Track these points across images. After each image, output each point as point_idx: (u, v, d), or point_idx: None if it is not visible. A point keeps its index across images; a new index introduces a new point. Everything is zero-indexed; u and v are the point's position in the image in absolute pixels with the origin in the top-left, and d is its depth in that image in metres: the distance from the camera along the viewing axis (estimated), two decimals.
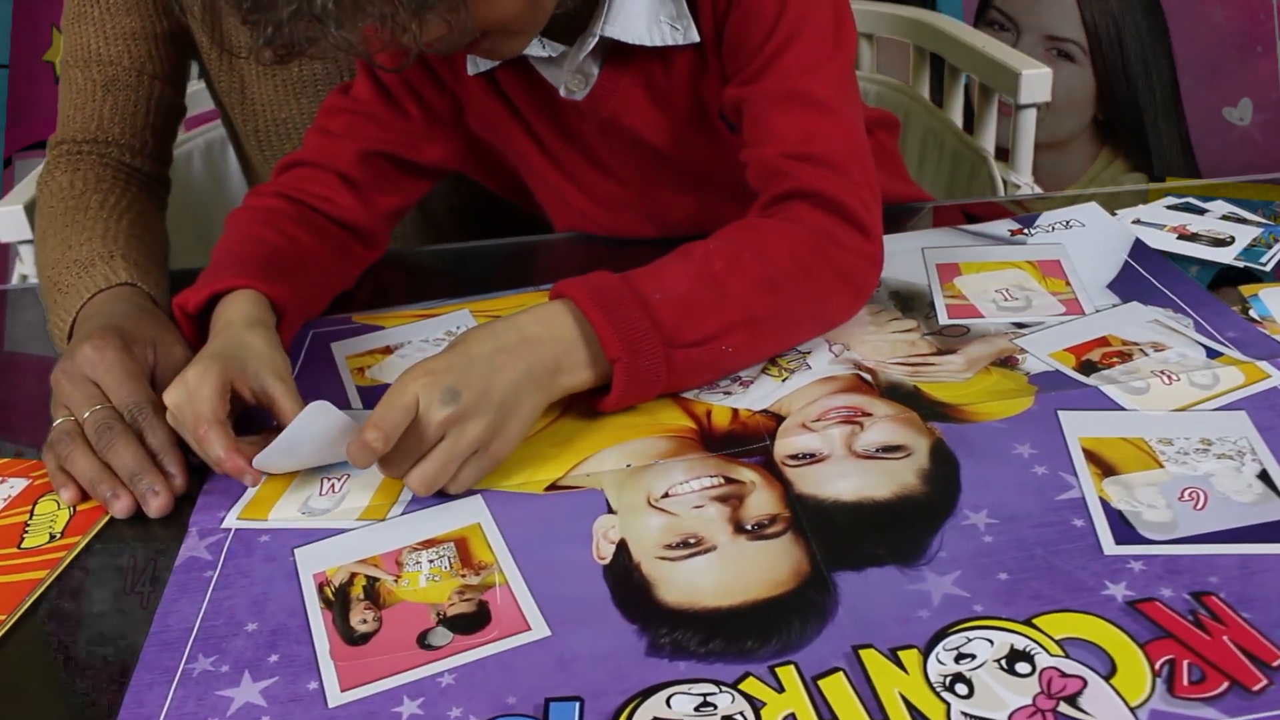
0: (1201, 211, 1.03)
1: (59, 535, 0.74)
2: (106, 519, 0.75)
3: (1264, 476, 0.67)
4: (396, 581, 0.67)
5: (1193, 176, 2.13)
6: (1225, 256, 0.95)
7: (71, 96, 1.05)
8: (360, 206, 0.98)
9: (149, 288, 0.90)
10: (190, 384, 0.74)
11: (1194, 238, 0.98)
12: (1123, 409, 0.74)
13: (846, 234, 0.83)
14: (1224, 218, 1.02)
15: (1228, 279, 0.91)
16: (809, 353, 0.83)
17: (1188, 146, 2.09)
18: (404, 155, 0.99)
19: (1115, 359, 0.79)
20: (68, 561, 0.72)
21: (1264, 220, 1.01)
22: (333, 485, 0.75)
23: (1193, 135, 2.09)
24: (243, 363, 0.77)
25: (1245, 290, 0.89)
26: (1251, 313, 0.85)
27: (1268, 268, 0.92)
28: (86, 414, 0.77)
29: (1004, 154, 1.39)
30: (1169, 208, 1.04)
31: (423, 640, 0.62)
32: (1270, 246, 0.95)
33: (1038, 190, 1.35)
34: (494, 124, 1.01)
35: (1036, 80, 1.32)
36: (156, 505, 0.74)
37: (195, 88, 1.24)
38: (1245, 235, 0.98)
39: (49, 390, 0.81)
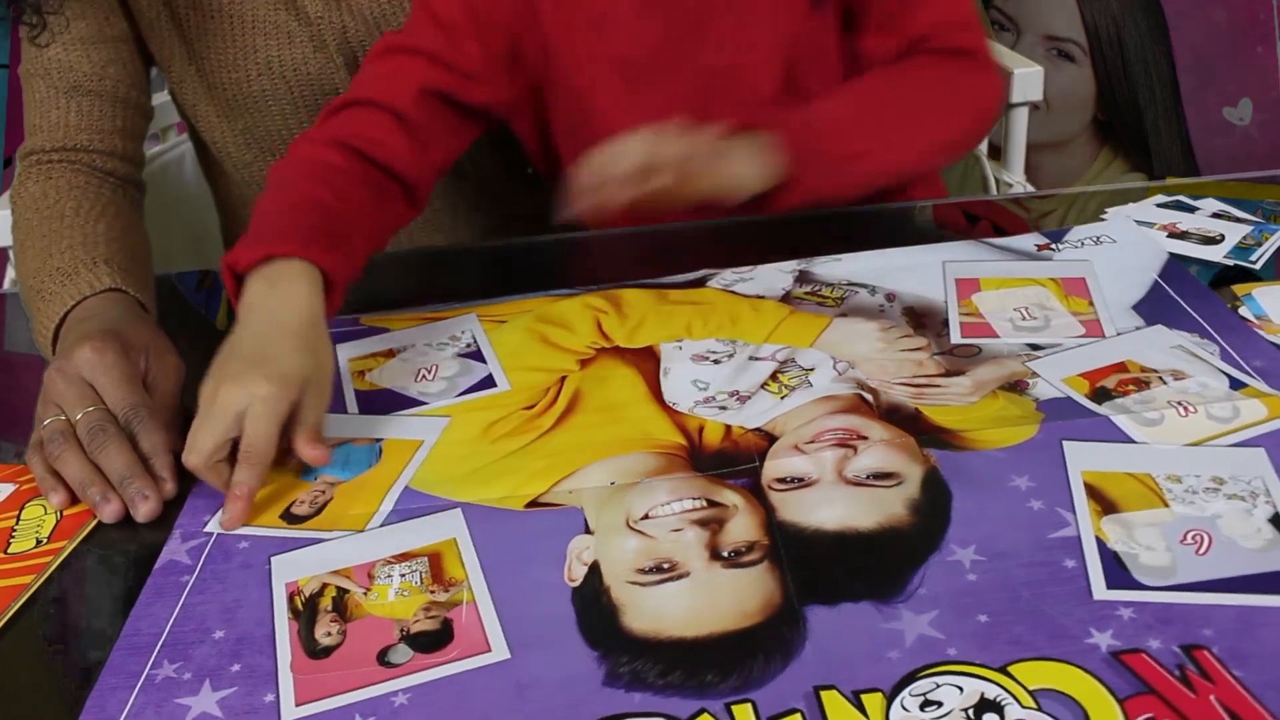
0: (1192, 210, 1.01)
1: (45, 540, 0.74)
2: (93, 523, 0.74)
3: (1276, 521, 0.63)
4: (366, 594, 0.65)
5: (1193, 176, 2.07)
6: (1215, 255, 0.92)
7: (35, 106, 1.04)
8: (413, 152, 0.97)
9: (135, 292, 0.89)
10: (259, 411, 0.73)
11: (1184, 236, 0.96)
12: (1132, 441, 0.70)
13: (971, 69, 1.02)
14: (1214, 216, 1.00)
15: (1227, 278, 0.88)
16: (812, 369, 0.80)
17: (1188, 146, 2.03)
18: (459, 96, 0.99)
19: (1131, 387, 0.75)
20: (54, 566, 0.71)
21: (1255, 218, 0.98)
22: (315, 494, 0.74)
23: (1193, 135, 2.04)
24: (305, 393, 0.76)
25: (1239, 289, 0.86)
26: (1243, 311, 0.82)
27: (1258, 266, 0.90)
28: (80, 415, 0.76)
29: (998, 152, 1.36)
30: (1159, 206, 1.02)
31: (382, 657, 0.61)
32: (1259, 245, 0.93)
33: (1030, 189, 1.32)
34: None
35: (1028, 79, 1.30)
36: (145, 510, 0.74)
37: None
38: (1235, 233, 0.95)
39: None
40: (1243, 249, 0.93)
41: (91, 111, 1.03)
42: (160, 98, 1.20)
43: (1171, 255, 0.92)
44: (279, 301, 0.80)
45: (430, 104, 0.98)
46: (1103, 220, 1.00)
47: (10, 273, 1.23)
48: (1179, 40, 1.99)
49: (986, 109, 1.07)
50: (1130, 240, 0.95)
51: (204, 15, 1.07)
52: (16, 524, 0.75)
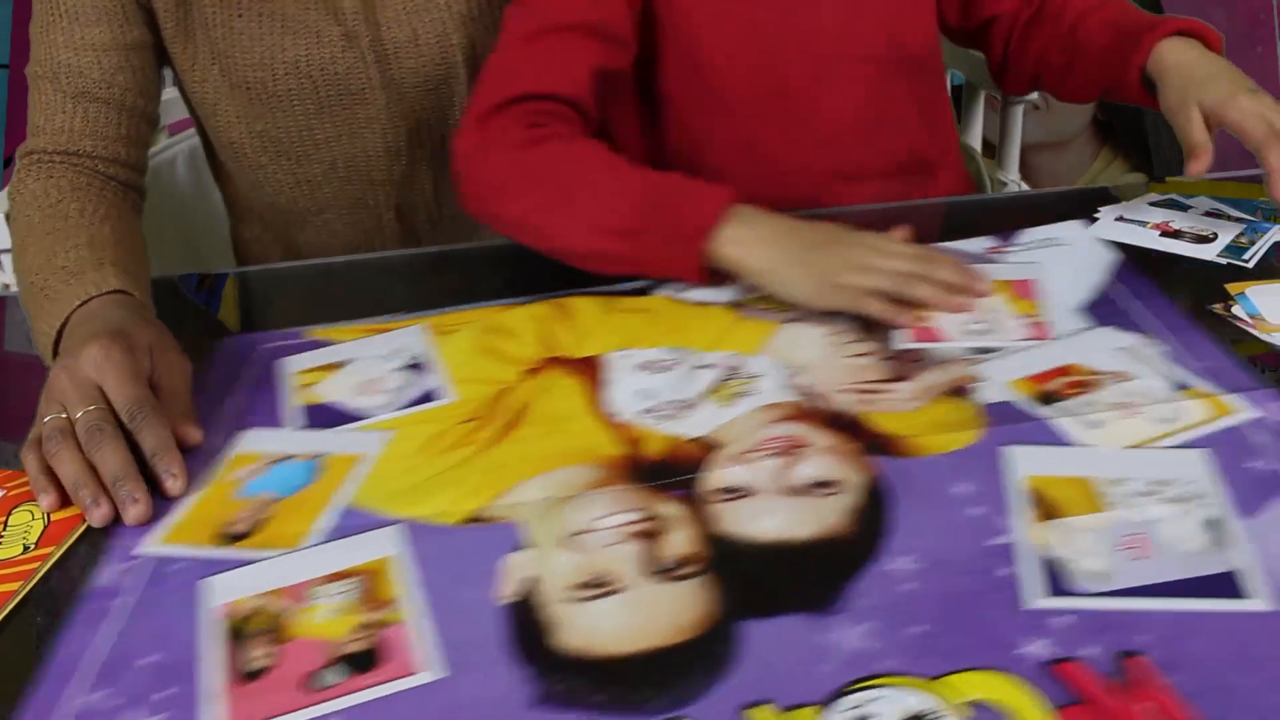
0: (1185, 208, 1.01)
1: (33, 546, 0.73)
2: (82, 529, 0.73)
3: (1212, 524, 0.62)
4: (299, 615, 0.64)
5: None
6: (1208, 254, 0.93)
7: (40, 109, 1.03)
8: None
9: (141, 296, 0.88)
10: None
11: (1177, 235, 0.96)
12: (1074, 445, 0.70)
13: None
14: (1207, 214, 1.00)
15: (1220, 277, 0.89)
16: (758, 377, 0.80)
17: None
18: (613, 65, 1.00)
19: (1076, 390, 0.74)
20: (42, 573, 0.70)
21: (1250, 217, 0.98)
22: (253, 512, 0.73)
23: None
24: None
25: (1232, 288, 0.85)
26: (1235, 309, 0.82)
27: (1250, 265, 0.90)
28: (80, 413, 0.75)
29: (993, 150, 1.36)
30: (1152, 204, 1.02)
31: (313, 679, 0.60)
32: (1252, 244, 0.93)
33: (1025, 187, 1.31)
34: None
35: None
36: (134, 513, 0.72)
37: (173, 93, 1.23)
38: (1229, 232, 0.96)
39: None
40: (1238, 248, 0.93)
41: (98, 118, 1.03)
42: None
43: (1159, 253, 0.93)
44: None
45: (599, 83, 0.99)
46: (1095, 216, 1.00)
47: (1, 276, 1.22)
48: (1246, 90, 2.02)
49: None
50: (1079, 242, 0.95)
51: (232, 14, 1.07)
52: (4, 530, 0.74)
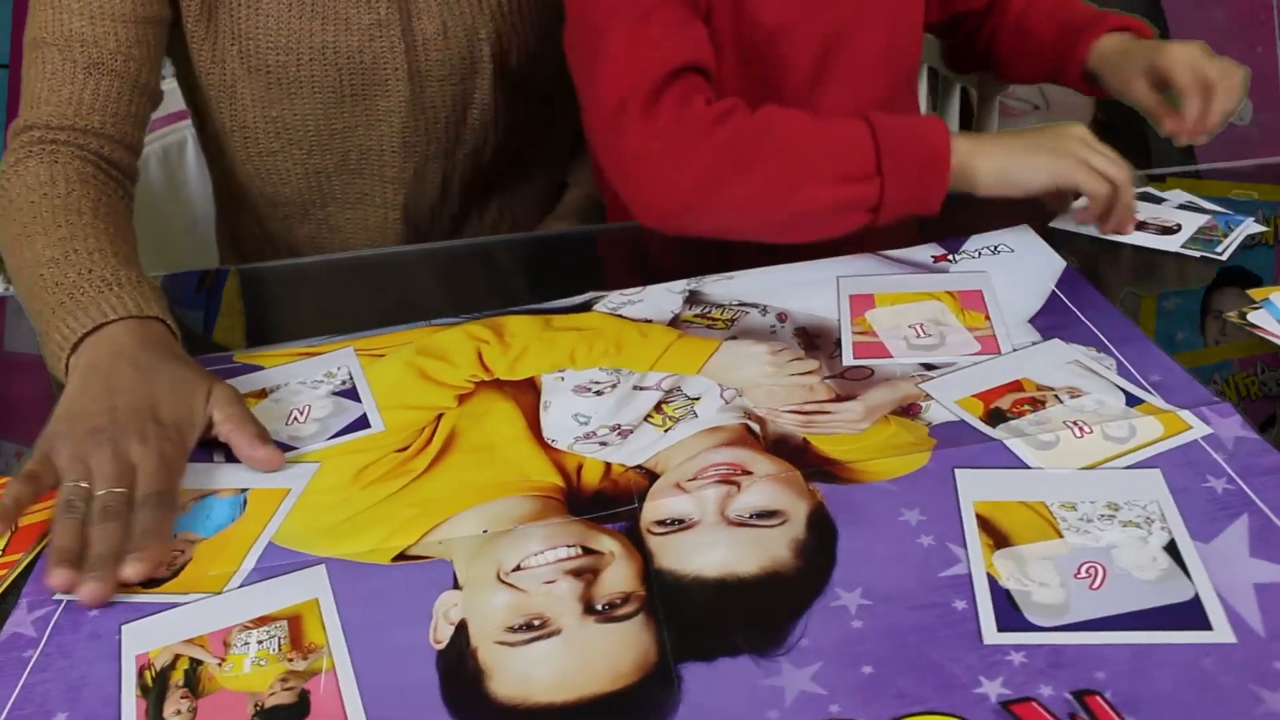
0: (1159, 201, 1.02)
1: (1, 552, 0.70)
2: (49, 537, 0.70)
3: (1171, 549, 0.60)
4: (220, 666, 0.61)
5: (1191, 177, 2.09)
6: (1172, 245, 0.93)
7: (44, 79, 0.97)
8: None
9: (173, 324, 0.84)
10: None
11: (1142, 226, 0.97)
12: (1026, 467, 0.67)
13: None
14: (1180, 208, 1.00)
15: (1233, 280, 0.89)
16: (698, 398, 0.77)
17: (1188, 147, 2.03)
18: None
19: (1026, 407, 0.72)
20: (10, 580, 0.68)
21: (1222, 210, 0.99)
22: (174, 554, 0.69)
23: None
24: None
25: (1256, 294, 0.84)
26: (1253, 316, 0.82)
27: (1224, 257, 0.91)
28: (103, 491, 0.70)
29: None
30: None
31: None
32: (1225, 236, 0.94)
33: None
34: None
35: None
36: (89, 590, 0.65)
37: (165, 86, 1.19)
38: (1192, 223, 0.96)
39: (47, 391, 0.76)
40: (1205, 241, 0.94)
41: (109, 92, 0.97)
42: None
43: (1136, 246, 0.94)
44: None
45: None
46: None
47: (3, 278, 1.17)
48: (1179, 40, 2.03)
49: None
50: (1028, 249, 0.93)
51: None
52: None
